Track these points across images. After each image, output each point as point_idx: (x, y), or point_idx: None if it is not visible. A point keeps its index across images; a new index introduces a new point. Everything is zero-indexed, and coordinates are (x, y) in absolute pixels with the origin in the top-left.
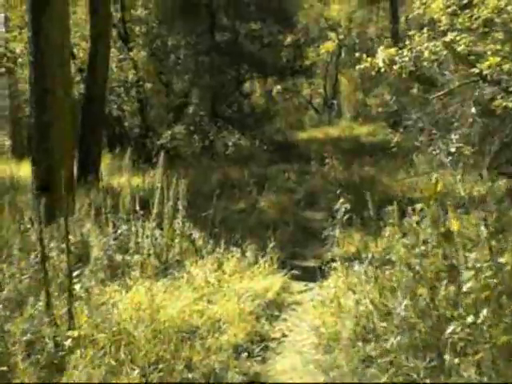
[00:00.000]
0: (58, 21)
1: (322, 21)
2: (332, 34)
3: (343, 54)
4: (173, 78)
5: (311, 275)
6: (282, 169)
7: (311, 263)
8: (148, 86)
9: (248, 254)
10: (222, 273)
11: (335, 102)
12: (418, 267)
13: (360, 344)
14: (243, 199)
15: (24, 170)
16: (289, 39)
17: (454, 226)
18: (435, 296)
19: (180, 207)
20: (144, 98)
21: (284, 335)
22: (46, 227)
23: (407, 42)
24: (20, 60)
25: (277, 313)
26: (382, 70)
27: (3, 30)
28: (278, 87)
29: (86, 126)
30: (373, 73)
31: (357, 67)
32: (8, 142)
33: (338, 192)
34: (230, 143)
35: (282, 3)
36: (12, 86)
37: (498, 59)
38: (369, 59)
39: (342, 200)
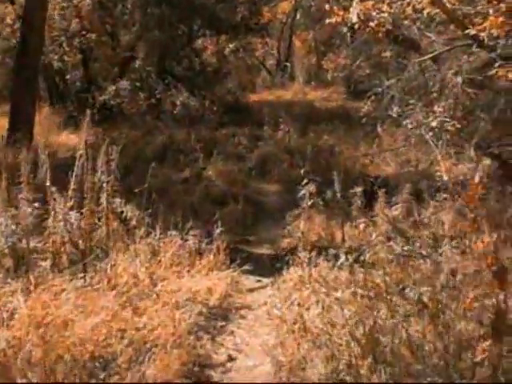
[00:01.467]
0: None
1: None
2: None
3: (298, 16)
4: (119, 29)
5: (265, 267)
6: (232, 132)
7: (264, 250)
8: (92, 36)
9: (190, 240)
10: (156, 265)
11: (288, 64)
12: (423, 297)
13: None
14: (189, 166)
15: None
16: None
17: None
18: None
19: (104, 179)
20: (87, 49)
21: (231, 358)
22: None
23: None
24: None
25: (222, 323)
26: (356, 26)
27: None
28: (231, 46)
29: (19, 78)
30: (344, 29)
31: (326, 21)
32: None
33: (302, 172)
34: (178, 102)
35: None
36: None
37: (500, 19)
38: (341, 13)
39: (305, 181)
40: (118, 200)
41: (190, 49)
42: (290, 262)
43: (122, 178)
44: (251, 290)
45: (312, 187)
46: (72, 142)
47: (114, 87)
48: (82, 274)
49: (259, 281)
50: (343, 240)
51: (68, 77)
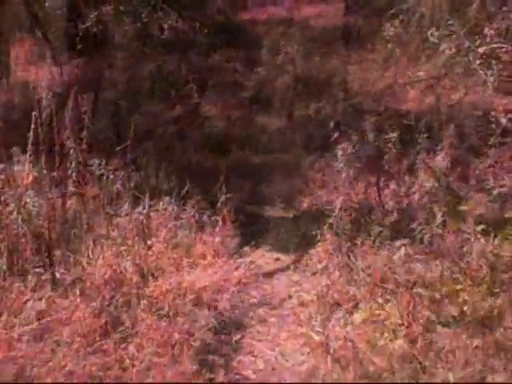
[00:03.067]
0: None
1: None
2: None
3: None
4: None
5: (283, 238)
6: (226, 58)
7: (280, 212)
8: None
9: (188, 209)
10: (147, 251)
11: None
12: None
13: None
14: (181, 102)
15: None
16: None
17: None
18: None
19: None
20: None
21: None
22: None
23: None
24: None
25: (237, 335)
26: None
27: None
28: None
29: None
30: None
31: None
32: None
33: (332, 124)
34: (166, 26)
35: None
36: None
37: None
38: None
39: (336, 135)
40: (95, 161)
41: None
42: (317, 233)
43: (104, 123)
44: (269, 275)
45: (347, 145)
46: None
47: (96, 13)
48: (49, 276)
49: (278, 259)
50: (380, 201)
51: (47, 4)
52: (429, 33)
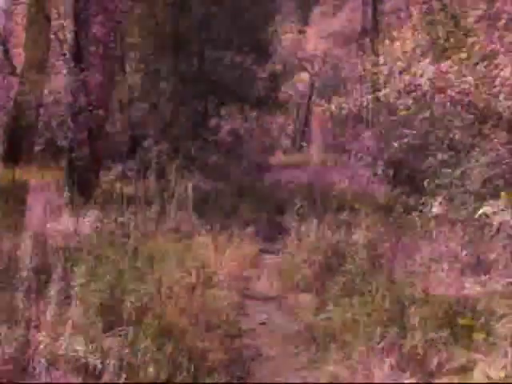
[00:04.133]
0: None
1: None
2: (303, 75)
3: (314, 96)
4: (128, 105)
5: None
6: (248, 219)
7: None
8: (99, 112)
9: None
10: None
11: (305, 144)
12: None
13: None
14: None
15: None
16: (264, 71)
17: None
18: None
19: None
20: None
21: None
22: None
23: None
24: None
25: None
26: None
27: None
28: (247, 124)
29: None
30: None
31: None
32: None
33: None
34: (190, 185)
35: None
36: None
37: None
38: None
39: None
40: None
41: (204, 128)
42: None
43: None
44: None
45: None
46: (69, 226)
47: (120, 168)
48: None
49: None
50: None
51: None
52: (485, 209)
